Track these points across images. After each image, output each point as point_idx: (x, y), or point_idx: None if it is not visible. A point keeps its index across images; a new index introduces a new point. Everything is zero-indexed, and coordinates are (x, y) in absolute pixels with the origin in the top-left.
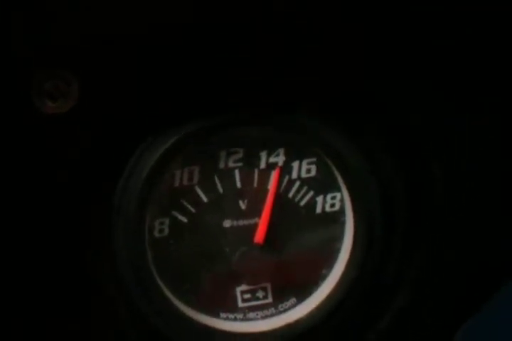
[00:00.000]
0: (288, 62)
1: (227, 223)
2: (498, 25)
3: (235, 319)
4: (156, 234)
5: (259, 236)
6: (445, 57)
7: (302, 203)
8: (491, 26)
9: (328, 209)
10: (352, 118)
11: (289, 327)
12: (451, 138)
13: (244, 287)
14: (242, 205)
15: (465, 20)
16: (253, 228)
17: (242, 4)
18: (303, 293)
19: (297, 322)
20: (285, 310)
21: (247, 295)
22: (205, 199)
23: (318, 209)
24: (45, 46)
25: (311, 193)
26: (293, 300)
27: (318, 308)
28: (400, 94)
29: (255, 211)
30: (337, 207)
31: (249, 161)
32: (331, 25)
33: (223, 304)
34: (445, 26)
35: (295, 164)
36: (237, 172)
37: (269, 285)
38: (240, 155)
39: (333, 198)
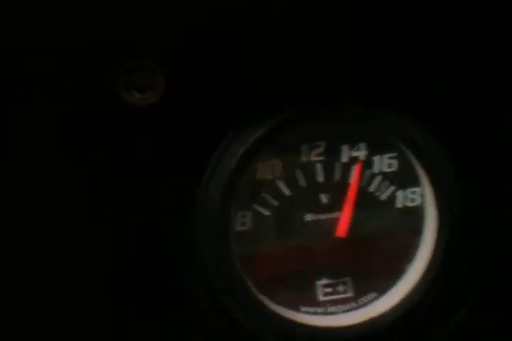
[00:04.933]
0: (370, 58)
1: (308, 217)
2: None
3: (316, 313)
4: (238, 227)
5: (342, 230)
6: None
7: (383, 197)
8: None
9: (408, 203)
10: (435, 112)
11: (371, 321)
12: None
13: (325, 281)
14: (324, 199)
15: None
16: (334, 222)
17: None
18: (383, 287)
19: (381, 316)
20: (365, 304)
21: (328, 289)
22: (287, 192)
23: (399, 204)
24: (133, 37)
25: (392, 188)
26: (373, 294)
27: (401, 303)
28: (483, 89)
29: (337, 205)
30: (417, 202)
31: (331, 155)
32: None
33: (304, 298)
34: None
35: (376, 158)
36: (318, 165)
37: (349, 280)
38: (322, 149)
39: (414, 193)
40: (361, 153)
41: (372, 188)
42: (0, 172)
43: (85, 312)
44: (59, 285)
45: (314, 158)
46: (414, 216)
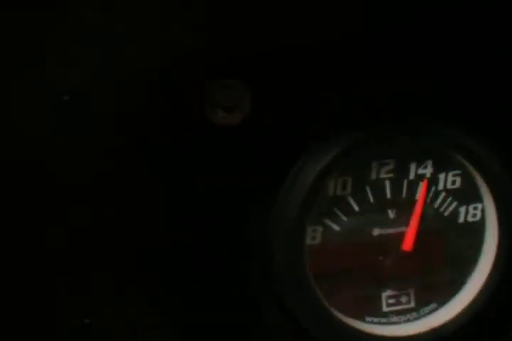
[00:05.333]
0: (439, 76)
1: (376, 231)
2: None
3: (380, 323)
4: (309, 241)
5: (408, 243)
6: None
7: (446, 213)
8: None
9: (470, 219)
10: (497, 128)
11: (433, 331)
12: None
13: (389, 292)
14: (391, 214)
15: None
16: (401, 236)
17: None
18: (443, 298)
19: (442, 326)
20: (426, 315)
21: (392, 300)
22: (356, 208)
23: (461, 219)
24: (217, 56)
25: (455, 204)
26: (434, 305)
27: (462, 313)
28: None
29: (403, 220)
30: (478, 217)
31: (399, 172)
32: None
33: (369, 308)
34: None
35: (441, 176)
36: (387, 182)
37: (412, 291)
38: (391, 166)
39: (475, 208)
40: (427, 171)
41: (436, 204)
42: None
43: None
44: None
45: (384, 176)
46: (476, 231)
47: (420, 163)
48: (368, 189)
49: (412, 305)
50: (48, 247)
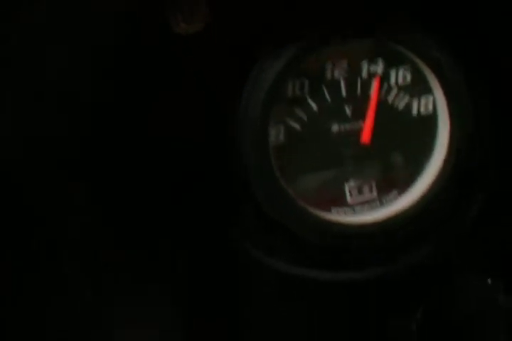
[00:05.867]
0: None
1: (335, 127)
2: None
3: (345, 213)
4: (274, 141)
5: (365, 136)
6: None
7: (400, 107)
8: None
9: (423, 111)
10: (446, 23)
11: (396, 216)
12: None
13: (352, 183)
14: (348, 111)
15: None
16: (359, 131)
17: None
18: (404, 185)
19: (402, 212)
20: (388, 203)
21: (355, 191)
22: (314, 107)
23: (414, 112)
24: None
25: (407, 97)
26: (395, 192)
27: (420, 199)
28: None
29: (360, 115)
30: (431, 109)
31: (353, 71)
32: None
33: (334, 200)
34: None
35: (392, 71)
36: (342, 81)
37: (373, 181)
38: (345, 66)
39: (427, 101)
40: (379, 68)
41: (390, 99)
42: None
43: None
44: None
45: (338, 75)
46: (429, 121)
47: (371, 60)
48: (324, 88)
49: (375, 194)
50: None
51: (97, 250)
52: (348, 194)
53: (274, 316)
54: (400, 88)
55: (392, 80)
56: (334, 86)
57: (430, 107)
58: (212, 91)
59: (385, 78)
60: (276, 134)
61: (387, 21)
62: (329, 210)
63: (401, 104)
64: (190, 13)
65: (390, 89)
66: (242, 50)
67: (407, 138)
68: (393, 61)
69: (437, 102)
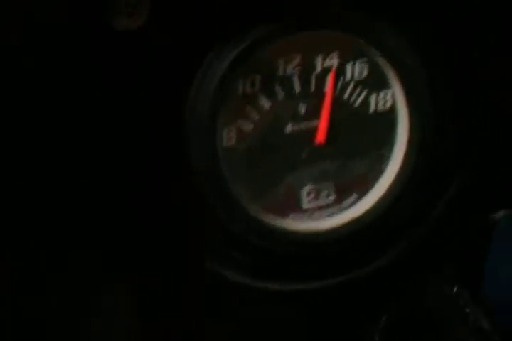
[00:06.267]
0: None
1: (289, 127)
2: None
3: (302, 219)
4: (225, 142)
5: (320, 136)
6: None
7: (357, 103)
8: None
9: (380, 107)
10: (402, 13)
11: (353, 221)
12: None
13: (308, 187)
14: (302, 109)
15: None
16: (314, 130)
17: None
18: (363, 188)
19: (360, 216)
20: (348, 207)
21: (312, 196)
22: (267, 105)
23: (372, 108)
24: None
25: (364, 93)
26: (354, 196)
27: (379, 202)
28: None
29: (314, 113)
30: (389, 105)
31: (306, 66)
32: None
33: (290, 205)
34: None
35: (348, 66)
36: (295, 77)
37: (331, 184)
38: (298, 61)
39: (385, 96)
40: (334, 62)
41: (346, 95)
42: None
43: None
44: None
45: (291, 71)
46: (388, 118)
47: (326, 54)
48: (276, 85)
49: (333, 198)
50: None
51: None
52: (305, 199)
53: (236, 329)
54: (356, 83)
55: (348, 75)
56: (287, 82)
57: (389, 103)
58: (156, 91)
59: (340, 73)
60: (226, 135)
61: (342, 12)
62: (286, 216)
63: (358, 101)
64: (131, 7)
65: (346, 84)
66: (187, 46)
67: (366, 136)
68: (349, 55)
69: (396, 98)
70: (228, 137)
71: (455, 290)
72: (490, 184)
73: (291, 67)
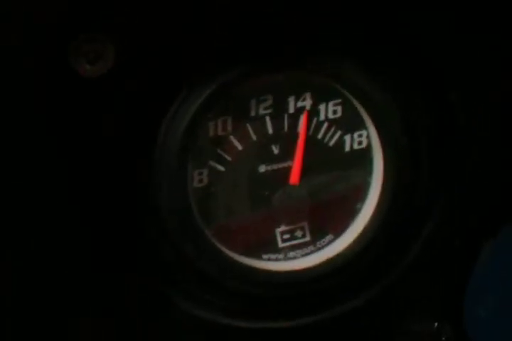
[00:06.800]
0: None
1: (262, 168)
2: None
3: (276, 259)
4: (196, 184)
5: (294, 177)
6: None
7: (331, 143)
8: None
9: (356, 147)
10: (374, 55)
11: (328, 262)
12: (471, 67)
13: (283, 227)
14: (275, 150)
15: None
16: (287, 171)
17: None
18: (339, 228)
19: (336, 256)
20: (323, 247)
21: (287, 236)
22: (239, 147)
23: (347, 148)
24: (83, 10)
25: (339, 133)
26: (330, 236)
27: (355, 242)
28: (421, 25)
29: (288, 154)
30: (364, 144)
31: (279, 107)
32: None
33: (265, 245)
34: None
35: (322, 106)
36: (267, 118)
37: (306, 224)
38: (270, 102)
39: (360, 136)
40: (307, 103)
41: (320, 135)
42: None
43: None
44: None
45: (263, 112)
46: (363, 158)
47: (299, 95)
48: (248, 126)
49: (308, 238)
50: None
51: None
52: (279, 238)
53: None
54: (330, 124)
55: (322, 116)
56: (259, 123)
57: (364, 143)
58: (123, 137)
59: (313, 113)
60: (197, 176)
61: (315, 54)
62: (259, 257)
63: (332, 141)
64: (95, 55)
65: (320, 124)
66: (154, 91)
67: (341, 176)
68: (322, 95)
69: (371, 137)
70: (199, 178)
71: (436, 325)
72: (467, 218)
73: (263, 108)
